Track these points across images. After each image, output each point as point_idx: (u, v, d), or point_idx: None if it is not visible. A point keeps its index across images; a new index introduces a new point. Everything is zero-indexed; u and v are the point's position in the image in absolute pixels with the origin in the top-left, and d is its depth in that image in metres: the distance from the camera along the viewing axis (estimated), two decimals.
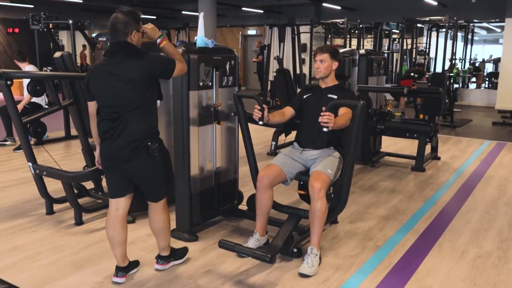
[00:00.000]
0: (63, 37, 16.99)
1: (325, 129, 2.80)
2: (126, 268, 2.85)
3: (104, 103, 2.62)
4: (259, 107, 3.05)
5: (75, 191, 3.86)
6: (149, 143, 2.58)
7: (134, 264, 2.94)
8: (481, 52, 19.62)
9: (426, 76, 10.19)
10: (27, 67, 6.37)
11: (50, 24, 8.47)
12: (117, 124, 2.57)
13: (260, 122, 3.09)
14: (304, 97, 3.42)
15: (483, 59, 16.54)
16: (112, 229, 2.75)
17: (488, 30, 19.09)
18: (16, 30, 13.65)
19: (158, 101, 2.72)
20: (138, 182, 2.73)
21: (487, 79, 14.90)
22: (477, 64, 15.33)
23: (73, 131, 6.59)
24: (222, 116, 3.53)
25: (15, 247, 3.29)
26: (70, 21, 8.01)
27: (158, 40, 2.71)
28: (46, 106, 6.14)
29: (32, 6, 13.03)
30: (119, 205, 2.74)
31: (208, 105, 3.40)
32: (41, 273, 2.91)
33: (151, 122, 2.66)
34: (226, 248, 2.90)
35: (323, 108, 2.81)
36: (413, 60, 13.46)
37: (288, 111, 3.41)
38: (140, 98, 2.57)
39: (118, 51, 2.58)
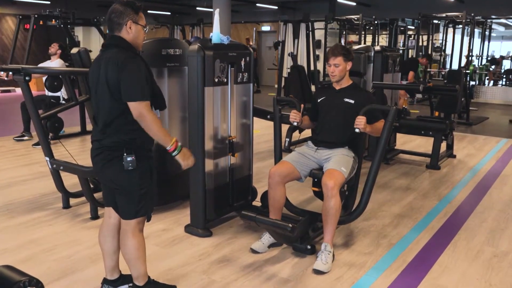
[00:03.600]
0: (79, 33, 17.16)
1: (357, 130, 3.05)
2: (114, 282, 2.60)
3: (92, 100, 2.40)
4: (296, 110, 3.26)
5: (91, 186, 3.91)
6: (124, 154, 2.27)
7: (126, 279, 2.62)
8: (498, 48, 19.33)
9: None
10: (56, 62, 6.48)
11: (53, 20, 8.59)
12: (105, 128, 2.33)
13: (295, 123, 3.28)
14: (319, 100, 3.44)
15: (501, 56, 16.28)
16: (102, 236, 2.55)
17: (506, 26, 18.77)
18: (34, 26, 13.80)
19: (158, 111, 2.43)
20: (115, 193, 2.42)
21: (504, 76, 14.68)
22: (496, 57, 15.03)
23: (89, 126, 6.68)
24: (236, 148, 3.58)
25: (32, 240, 3.35)
26: (56, 12, 8.09)
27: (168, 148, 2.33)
28: (63, 102, 6.22)
29: (49, 2, 13.16)
30: (111, 213, 2.51)
31: (223, 137, 3.47)
32: (58, 266, 2.97)
33: (123, 137, 2.29)
34: (247, 219, 2.93)
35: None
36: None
37: (310, 121, 3.53)
38: (108, 105, 2.26)
39: (109, 45, 2.33)
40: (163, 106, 2.47)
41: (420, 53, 11.04)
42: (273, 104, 3.56)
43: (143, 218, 2.44)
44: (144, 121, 2.23)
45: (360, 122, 3.02)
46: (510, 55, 16.00)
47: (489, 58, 14.26)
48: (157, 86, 2.45)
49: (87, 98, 4.20)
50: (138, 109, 2.21)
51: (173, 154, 2.34)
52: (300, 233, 3.14)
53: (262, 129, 6.66)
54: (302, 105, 3.32)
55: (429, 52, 13.21)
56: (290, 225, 2.74)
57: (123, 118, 2.28)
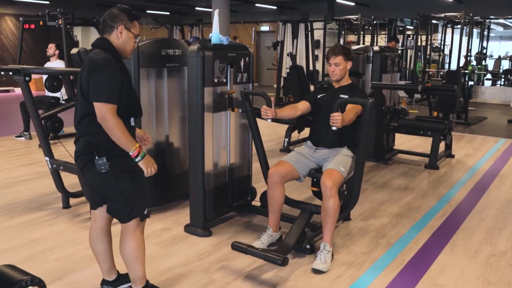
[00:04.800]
0: (78, 33, 17.18)
1: (333, 128, 2.90)
2: (113, 282, 2.59)
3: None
4: (267, 106, 3.11)
5: None
6: (96, 157, 2.21)
7: (125, 279, 2.60)
8: (497, 48, 19.34)
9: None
10: (56, 62, 6.49)
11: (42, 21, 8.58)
12: (77, 127, 2.33)
13: (269, 120, 3.15)
14: (319, 96, 3.43)
15: (499, 56, 16.30)
16: (91, 240, 2.54)
17: (505, 26, 18.80)
18: (32, 26, 13.83)
19: (132, 119, 2.37)
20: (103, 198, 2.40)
21: (503, 76, 14.69)
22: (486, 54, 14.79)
23: None
24: (236, 103, 3.54)
25: (33, 240, 3.36)
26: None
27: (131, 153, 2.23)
28: (63, 102, 6.23)
29: (48, 2, 13.16)
30: (96, 217, 2.50)
31: (222, 92, 3.42)
32: (58, 266, 2.98)
33: (90, 140, 2.25)
34: (238, 250, 2.91)
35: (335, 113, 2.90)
36: (428, 56, 13.33)
37: (303, 105, 3.41)
38: (80, 103, 2.26)
39: (94, 45, 2.32)
40: (138, 114, 2.41)
41: (392, 37, 10.88)
42: (241, 98, 3.42)
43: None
44: (106, 124, 2.17)
45: (337, 120, 2.84)
46: (509, 55, 16.00)
47: (478, 55, 14.16)
48: (135, 93, 2.41)
49: None
50: (102, 111, 2.15)
51: (136, 160, 2.24)
52: (296, 237, 3.13)
53: (261, 129, 6.64)
54: (272, 99, 3.16)
55: (428, 52, 13.23)
56: (281, 258, 2.72)
57: (90, 119, 2.23)
